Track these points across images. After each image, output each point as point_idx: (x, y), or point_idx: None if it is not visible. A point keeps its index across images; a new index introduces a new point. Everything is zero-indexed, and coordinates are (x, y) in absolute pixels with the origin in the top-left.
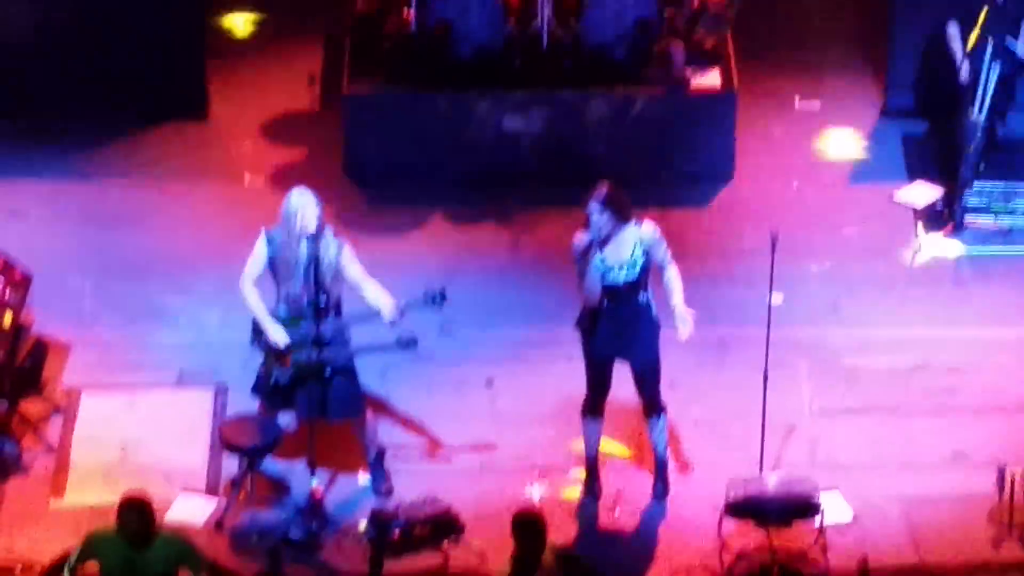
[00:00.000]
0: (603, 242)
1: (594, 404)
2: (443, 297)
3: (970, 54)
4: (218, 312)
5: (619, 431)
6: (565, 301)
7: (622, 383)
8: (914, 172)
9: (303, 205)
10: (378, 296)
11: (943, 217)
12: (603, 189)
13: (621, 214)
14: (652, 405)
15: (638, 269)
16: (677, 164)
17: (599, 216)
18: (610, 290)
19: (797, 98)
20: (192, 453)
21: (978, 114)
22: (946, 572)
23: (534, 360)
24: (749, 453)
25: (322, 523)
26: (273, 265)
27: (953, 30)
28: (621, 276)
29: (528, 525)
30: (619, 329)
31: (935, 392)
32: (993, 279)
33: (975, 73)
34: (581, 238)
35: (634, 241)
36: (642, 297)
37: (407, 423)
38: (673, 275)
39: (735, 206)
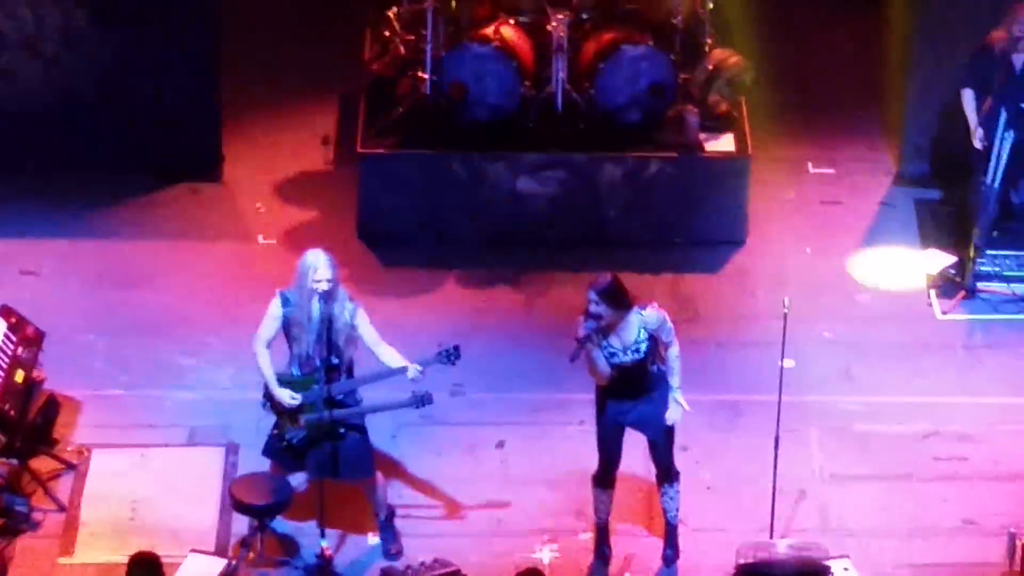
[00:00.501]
0: (605, 330)
1: (606, 474)
2: (456, 354)
3: (985, 121)
4: (230, 371)
5: (631, 496)
6: (578, 365)
7: (635, 447)
8: (927, 239)
9: (317, 265)
10: (393, 359)
11: (956, 284)
12: (602, 280)
13: (620, 304)
14: (666, 472)
15: (643, 352)
16: (690, 228)
17: (597, 307)
18: (619, 369)
19: (810, 164)
20: (202, 512)
21: (992, 181)
22: None
23: (545, 423)
24: (760, 518)
25: None
26: (287, 325)
27: (968, 97)
28: (627, 359)
29: None
30: (632, 402)
31: (946, 459)
32: (1005, 346)
33: (989, 140)
34: (582, 323)
35: (639, 325)
36: (652, 370)
37: (417, 484)
38: (674, 356)
39: (748, 271)
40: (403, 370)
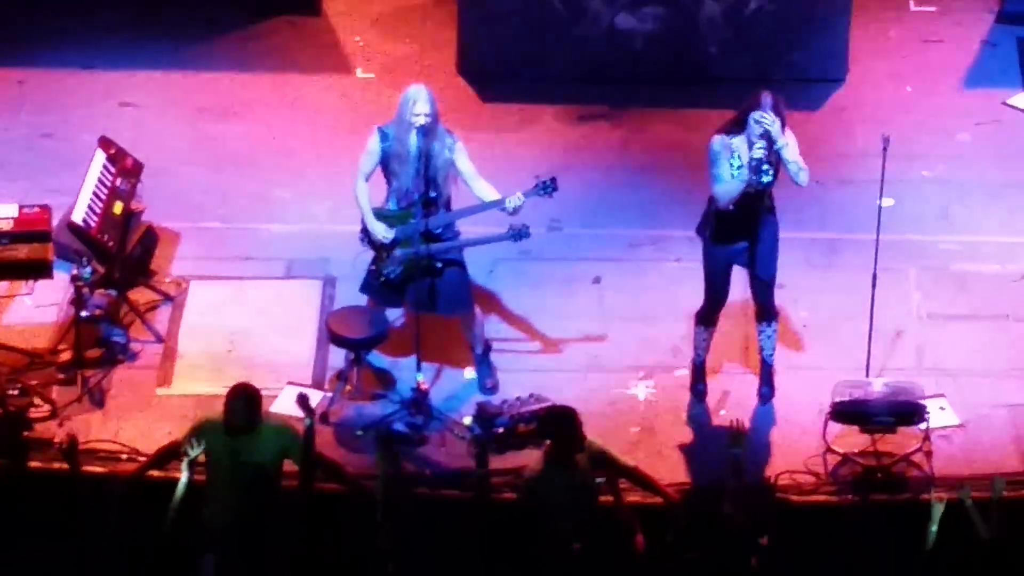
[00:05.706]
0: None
1: (711, 312)
2: (553, 186)
3: None
4: (328, 204)
5: (727, 333)
6: (674, 202)
7: (733, 285)
8: None
9: (416, 99)
10: (489, 193)
11: None
12: (767, 96)
13: (784, 119)
14: (765, 310)
15: (773, 175)
16: (790, 66)
17: (771, 125)
18: (746, 195)
19: (912, 1)
20: (299, 345)
21: None
22: None
23: (642, 260)
24: (856, 357)
25: (427, 417)
26: (386, 159)
27: None
28: (765, 179)
29: (559, 420)
30: (748, 238)
31: None
32: None
33: None
34: (721, 141)
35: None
36: (769, 201)
37: (514, 320)
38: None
39: (847, 109)
40: (500, 202)
